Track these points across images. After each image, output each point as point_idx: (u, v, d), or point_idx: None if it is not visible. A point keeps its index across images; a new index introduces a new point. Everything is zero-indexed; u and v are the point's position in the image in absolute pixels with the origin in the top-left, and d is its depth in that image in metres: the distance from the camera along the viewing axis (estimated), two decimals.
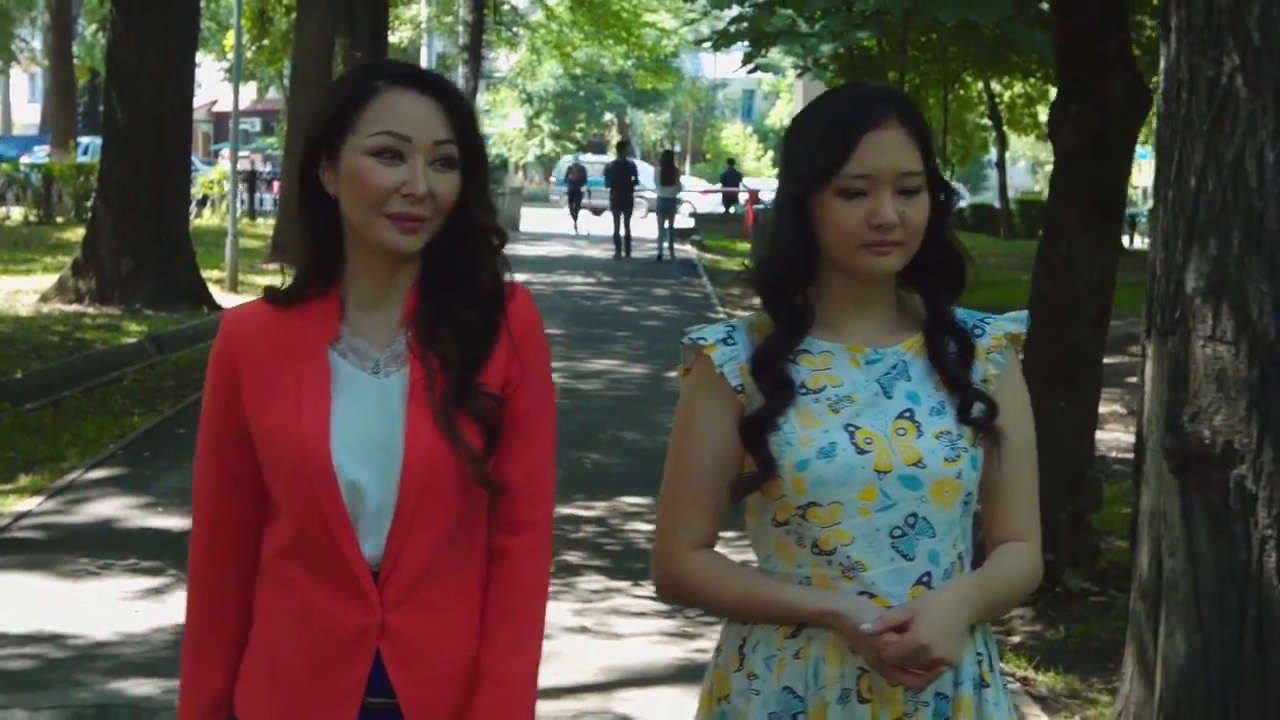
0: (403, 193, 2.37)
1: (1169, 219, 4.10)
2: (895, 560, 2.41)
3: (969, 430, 2.47)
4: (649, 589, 6.98)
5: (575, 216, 38.56)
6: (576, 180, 39.51)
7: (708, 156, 73.76)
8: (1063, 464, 6.91)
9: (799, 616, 2.42)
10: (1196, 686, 4.00)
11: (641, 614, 6.70)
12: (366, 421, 2.40)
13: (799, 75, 24.86)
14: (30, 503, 8.50)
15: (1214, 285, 3.96)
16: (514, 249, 28.87)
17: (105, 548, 7.60)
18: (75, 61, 42.79)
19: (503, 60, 58.25)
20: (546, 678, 5.71)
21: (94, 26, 50.55)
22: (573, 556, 7.57)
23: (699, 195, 47.66)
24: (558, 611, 6.54)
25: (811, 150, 2.44)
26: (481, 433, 2.41)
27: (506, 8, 43.74)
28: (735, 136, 77.82)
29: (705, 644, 6.26)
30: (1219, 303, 3.95)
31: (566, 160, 50.41)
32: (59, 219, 29.49)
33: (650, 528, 8.08)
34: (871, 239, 2.41)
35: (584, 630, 6.44)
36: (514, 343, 2.46)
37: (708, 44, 25.55)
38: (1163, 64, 4.15)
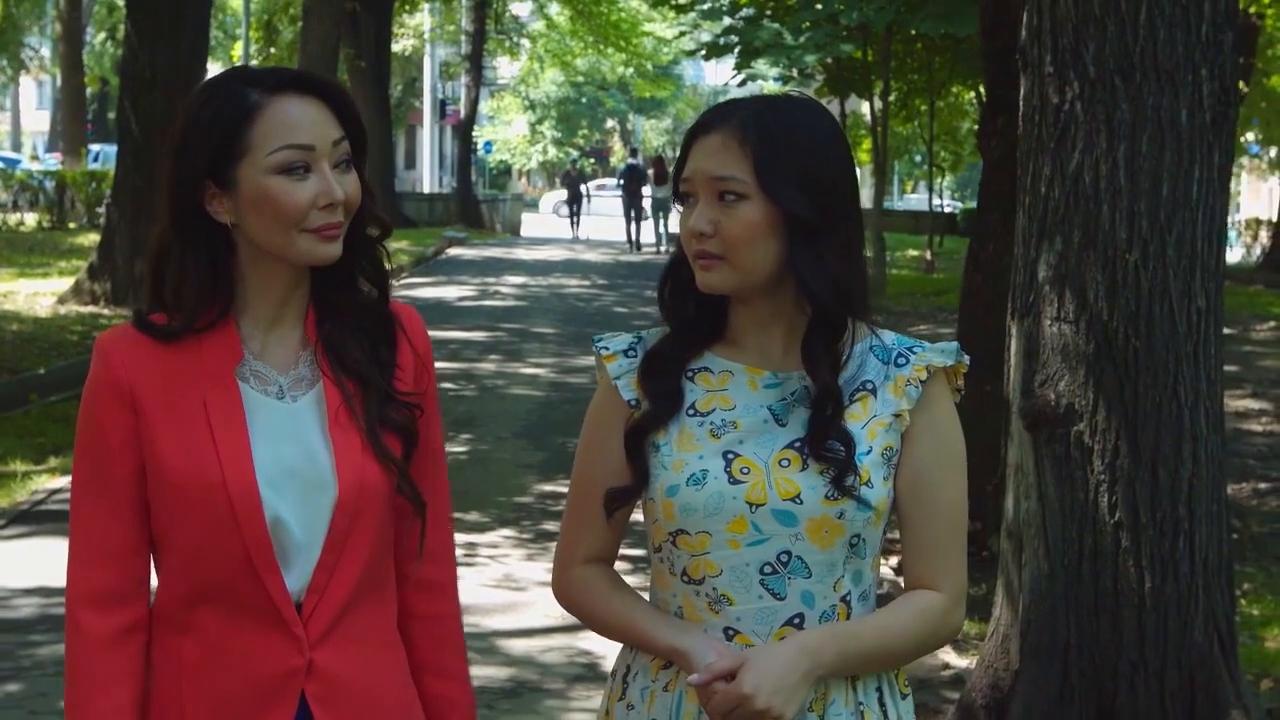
0: (320, 205, 2.23)
1: (1025, 220, 4.94)
2: (764, 598, 2.30)
3: (876, 466, 2.32)
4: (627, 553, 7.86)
5: (575, 220, 39.04)
6: (575, 184, 40.03)
7: None
8: (988, 440, 7.75)
9: (654, 650, 2.35)
10: (1045, 605, 4.85)
11: None
12: (281, 452, 2.25)
13: (784, 85, 25.71)
14: (61, 481, 9.36)
15: (1059, 275, 4.80)
16: (513, 253, 29.77)
17: None
18: (85, 70, 43.53)
19: (505, 68, 59.02)
20: (522, 622, 6.68)
21: (102, 35, 51.38)
22: (551, 526, 8.39)
23: None
24: (534, 570, 7.44)
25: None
26: (402, 444, 2.33)
27: (508, 17, 44.56)
28: None
29: None
30: (1063, 289, 4.79)
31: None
32: (71, 224, 30.22)
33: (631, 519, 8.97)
34: (694, 249, 2.32)
35: None
36: (417, 354, 2.38)
37: (700, 54, 26.43)
38: (1022, 93, 4.99)
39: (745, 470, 2.29)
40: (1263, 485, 10.14)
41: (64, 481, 9.36)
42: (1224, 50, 4.73)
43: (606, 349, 2.44)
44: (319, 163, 2.24)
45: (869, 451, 2.31)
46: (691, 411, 2.35)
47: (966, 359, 2.40)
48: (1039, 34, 4.84)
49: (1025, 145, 4.95)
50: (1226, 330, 18.31)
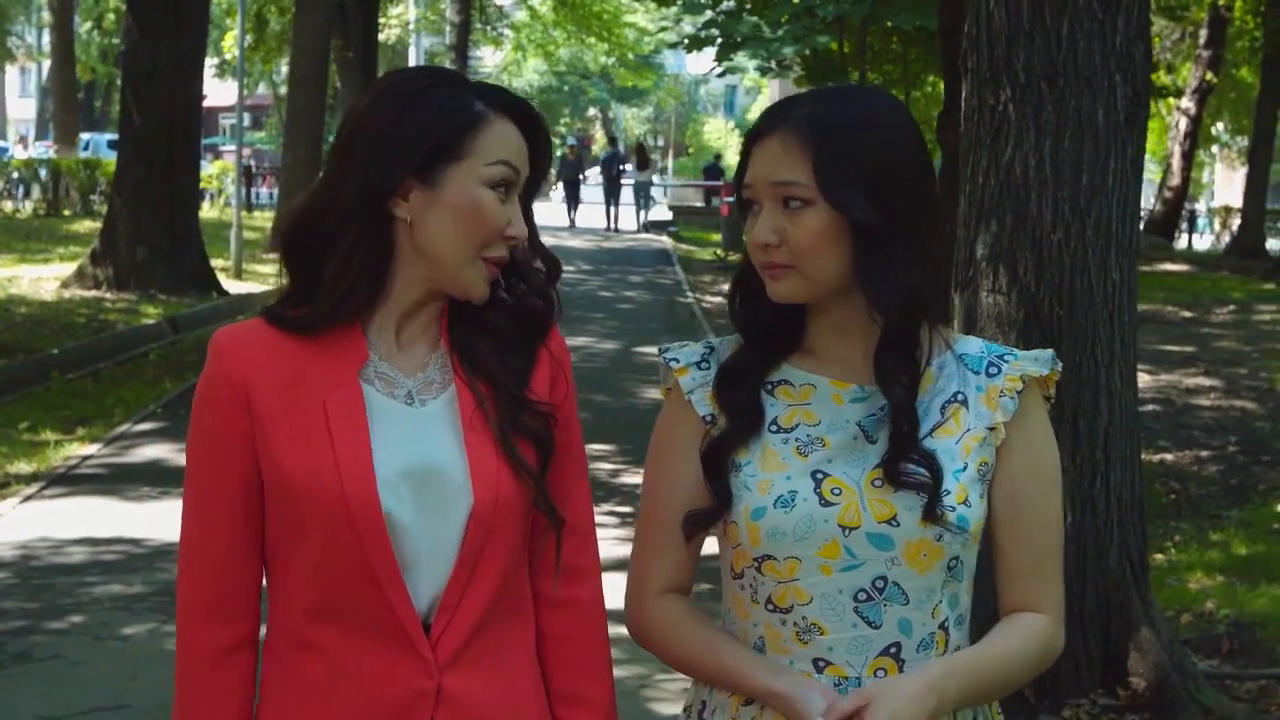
0: (506, 234, 2.13)
1: (965, 206, 5.69)
2: (858, 627, 2.14)
3: (973, 484, 2.16)
4: (605, 509, 8.66)
5: (573, 208, 38.14)
6: (574, 169, 39.23)
7: (690, 151, 75.20)
8: None
9: (744, 690, 2.18)
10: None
11: (598, 525, 8.29)
12: (407, 457, 2.11)
13: (762, 76, 26.49)
14: (90, 448, 10.10)
15: (994, 253, 5.56)
16: None
17: (161, 479, 9.17)
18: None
19: (489, 57, 59.59)
20: None
21: (88, 25, 51.86)
22: None
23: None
24: None
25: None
26: (538, 454, 2.18)
27: (492, 8, 45.17)
28: (717, 131, 79.08)
29: None
30: (997, 266, 5.55)
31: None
32: (66, 212, 30.74)
33: (610, 468, 9.76)
34: (760, 259, 2.18)
35: None
36: (555, 360, 2.24)
37: (682, 46, 27.19)
38: (963, 95, 5.74)
39: (836, 491, 2.14)
40: (1204, 453, 10.91)
41: (94, 449, 10.10)
42: (1136, 59, 5.48)
43: (677, 361, 2.29)
44: (513, 192, 2.15)
45: (964, 468, 2.16)
46: (774, 427, 2.20)
47: (1060, 366, 2.27)
48: (977, 43, 5.59)
49: (966, 141, 5.69)
50: (1187, 313, 19.12)
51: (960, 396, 2.20)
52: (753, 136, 2.20)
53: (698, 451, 2.22)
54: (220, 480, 2.13)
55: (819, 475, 2.15)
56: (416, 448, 2.12)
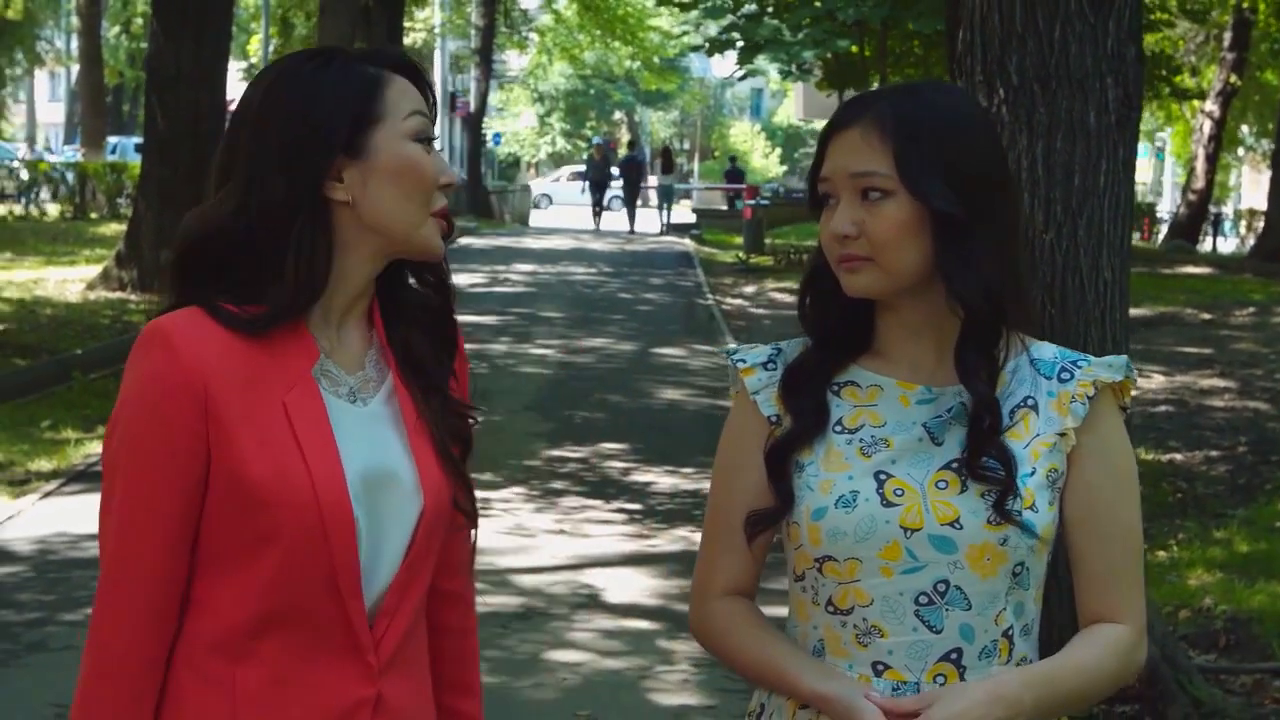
0: (441, 182, 2.07)
1: None
2: (919, 631, 2.12)
3: (1041, 490, 2.14)
4: (616, 505, 8.78)
5: (598, 213, 38.29)
6: (601, 170, 39.20)
7: (715, 154, 75.27)
8: None
9: (796, 695, 2.17)
10: None
11: (607, 522, 8.47)
12: (363, 460, 2.03)
13: (784, 79, 26.59)
14: None
15: None
16: (521, 241, 30.62)
17: None
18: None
19: (514, 61, 59.81)
20: (531, 562, 7.53)
21: (116, 29, 52.20)
22: (558, 485, 9.32)
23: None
24: (543, 520, 8.37)
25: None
26: (463, 453, 2.16)
27: (517, 12, 45.35)
28: (743, 134, 79.26)
29: (657, 540, 8.07)
30: None
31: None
32: (92, 214, 30.89)
33: (622, 466, 9.88)
34: (838, 252, 2.15)
35: (561, 532, 8.20)
36: (463, 360, 2.23)
37: (704, 49, 27.35)
38: None
39: (899, 492, 2.12)
40: (1214, 453, 10.98)
41: None
42: (1127, 61, 5.57)
43: (743, 362, 2.27)
44: (432, 142, 2.09)
45: (1032, 474, 2.14)
46: (838, 428, 2.19)
47: (1135, 373, 2.24)
48: (971, 46, 5.69)
49: None
50: (1206, 315, 19.10)
51: (1030, 401, 2.18)
52: (830, 130, 2.19)
53: (762, 453, 2.20)
54: (168, 483, 1.98)
55: (882, 476, 2.13)
56: (370, 450, 2.05)
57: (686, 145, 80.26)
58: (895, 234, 2.10)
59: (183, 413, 1.96)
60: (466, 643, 2.29)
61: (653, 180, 39.66)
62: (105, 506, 2.06)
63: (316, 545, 1.98)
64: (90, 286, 18.79)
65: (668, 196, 38.24)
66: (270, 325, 2.00)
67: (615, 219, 38.28)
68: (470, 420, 2.18)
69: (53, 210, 31.50)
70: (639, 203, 38.03)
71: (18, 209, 31.03)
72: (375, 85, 2.04)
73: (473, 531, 2.21)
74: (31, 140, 49.58)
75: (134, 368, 2.01)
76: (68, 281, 19.50)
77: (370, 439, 2.05)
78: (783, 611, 2.29)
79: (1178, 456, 10.78)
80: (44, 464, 9.67)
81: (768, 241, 28.53)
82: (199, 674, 2.01)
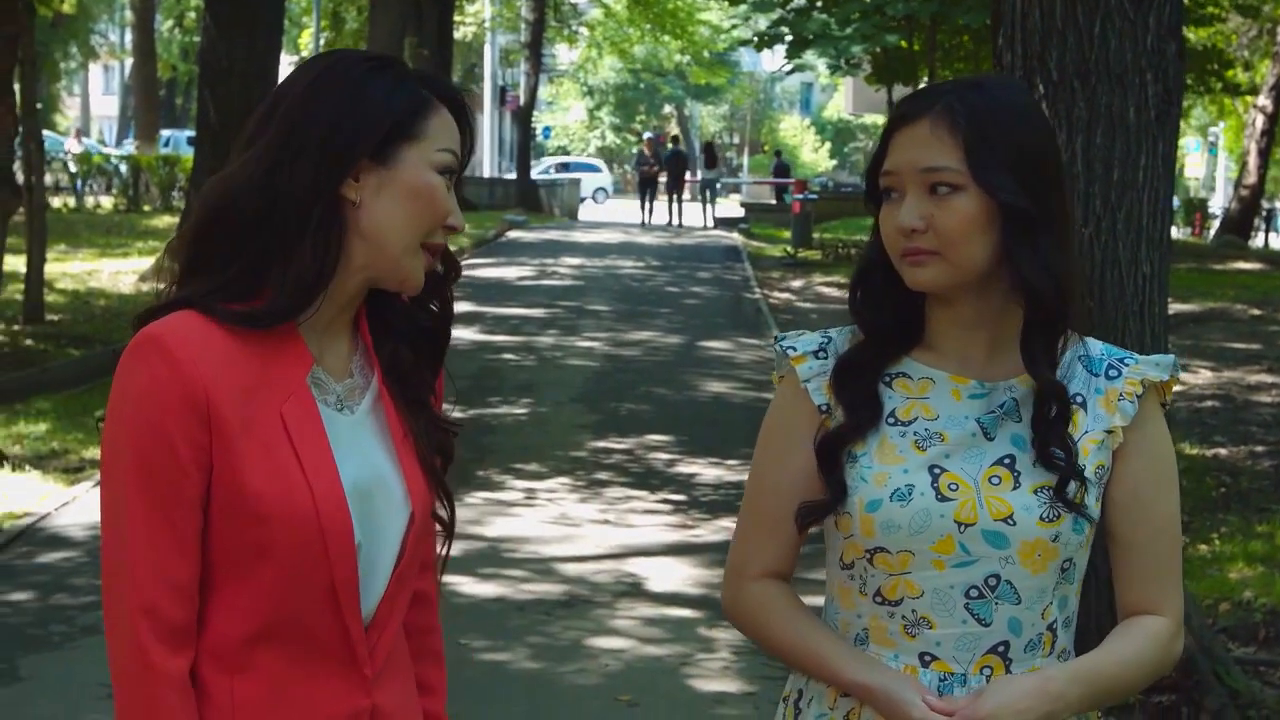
0: (448, 223, 2.07)
1: None
2: (968, 623, 2.14)
3: (1090, 486, 2.17)
4: (660, 496, 8.86)
5: (648, 205, 37.96)
6: (652, 163, 38.68)
7: (765, 148, 75.24)
8: None
9: (837, 683, 2.18)
10: None
11: (651, 512, 8.55)
12: (356, 470, 2.03)
13: (833, 74, 26.67)
14: None
15: None
16: (570, 235, 30.73)
17: None
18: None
19: (563, 55, 59.98)
20: (575, 550, 7.65)
21: (170, 23, 52.60)
22: (603, 475, 9.39)
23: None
24: (588, 510, 8.44)
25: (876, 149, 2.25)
26: (443, 463, 2.17)
27: (567, 6, 45.48)
28: (793, 128, 79.14)
29: (700, 530, 8.14)
30: None
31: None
32: (146, 207, 31.16)
33: (667, 458, 9.97)
34: (903, 246, 2.15)
35: (606, 522, 8.28)
36: (441, 378, 2.23)
37: (753, 43, 27.38)
38: None
39: (954, 486, 2.14)
40: (1259, 449, 10.97)
41: None
42: (1167, 57, 5.61)
43: (794, 349, 2.28)
44: (452, 182, 2.09)
45: (1083, 469, 2.17)
46: (891, 420, 2.20)
47: (1179, 372, 2.26)
48: (1012, 42, 5.74)
49: None
50: (1256, 311, 19.00)
51: (1079, 398, 2.19)
52: (894, 123, 2.19)
53: (810, 441, 2.21)
54: (175, 496, 1.95)
55: (936, 470, 2.15)
56: (362, 460, 2.04)
57: (736, 139, 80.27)
58: (965, 228, 2.11)
59: (186, 426, 1.93)
60: (430, 641, 2.29)
61: (697, 175, 39.76)
62: (113, 523, 1.99)
63: (316, 559, 1.98)
64: (143, 279, 18.92)
65: (711, 190, 38.59)
66: (276, 320, 1.98)
67: (656, 210, 38.31)
68: (452, 434, 2.18)
69: (106, 203, 31.80)
70: (684, 197, 38.29)
71: (72, 201, 31.32)
72: (422, 106, 2.05)
73: (446, 539, 2.20)
74: (80, 132, 49.90)
75: (130, 377, 1.95)
76: (121, 273, 19.69)
77: (360, 449, 2.05)
78: (816, 602, 2.31)
79: (1222, 451, 10.78)
80: (97, 452, 9.80)
81: (816, 236, 28.54)
82: (197, 685, 2.00)
